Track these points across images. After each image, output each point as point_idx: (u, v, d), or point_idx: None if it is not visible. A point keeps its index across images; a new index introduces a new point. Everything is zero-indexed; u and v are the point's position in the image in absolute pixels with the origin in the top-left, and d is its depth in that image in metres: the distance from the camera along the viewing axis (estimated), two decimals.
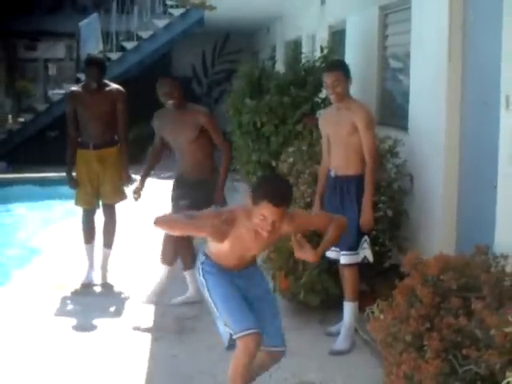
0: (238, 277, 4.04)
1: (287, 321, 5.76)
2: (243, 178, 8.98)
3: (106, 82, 6.91)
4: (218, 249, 3.93)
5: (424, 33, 5.94)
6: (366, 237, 5.33)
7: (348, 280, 5.35)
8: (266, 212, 3.64)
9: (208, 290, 4.00)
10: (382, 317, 3.49)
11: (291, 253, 5.67)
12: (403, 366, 3.17)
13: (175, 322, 5.81)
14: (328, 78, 5.40)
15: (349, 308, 5.32)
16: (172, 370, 4.94)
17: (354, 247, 5.29)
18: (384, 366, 3.51)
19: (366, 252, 5.32)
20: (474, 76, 5.17)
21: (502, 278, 3.40)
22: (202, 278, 4.04)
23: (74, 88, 7.08)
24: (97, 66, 6.81)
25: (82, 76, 15.84)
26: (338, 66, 5.55)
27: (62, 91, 16.21)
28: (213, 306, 3.97)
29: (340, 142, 5.38)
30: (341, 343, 5.21)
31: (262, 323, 3.92)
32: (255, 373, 4.15)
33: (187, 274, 6.24)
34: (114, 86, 6.89)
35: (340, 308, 5.43)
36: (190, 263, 6.08)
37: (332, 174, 5.45)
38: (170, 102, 5.97)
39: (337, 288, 5.60)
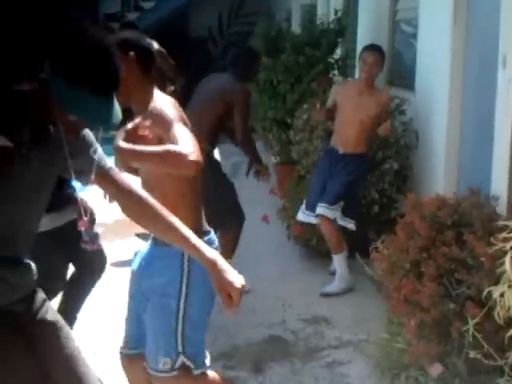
0: None
1: (300, 264, 6.31)
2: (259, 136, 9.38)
3: None
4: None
5: None
6: (342, 202, 5.74)
7: (325, 235, 5.78)
8: None
9: (190, 287, 3.02)
10: (385, 250, 3.95)
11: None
12: (403, 290, 3.64)
13: None
14: (370, 57, 5.82)
15: (335, 260, 5.82)
16: None
17: (332, 202, 5.71)
18: (385, 292, 3.97)
19: (336, 214, 5.72)
20: (477, 38, 5.54)
21: (492, 217, 3.84)
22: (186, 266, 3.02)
23: None
24: None
25: None
26: (382, 51, 6.00)
27: None
28: (179, 312, 3.01)
29: (355, 123, 5.78)
30: (331, 286, 5.71)
31: None
32: None
33: None
34: None
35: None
36: None
37: (340, 151, 5.88)
38: None
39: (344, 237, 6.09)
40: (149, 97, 3.09)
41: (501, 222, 3.03)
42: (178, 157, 2.74)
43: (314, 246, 6.28)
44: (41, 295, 2.34)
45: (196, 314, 3.02)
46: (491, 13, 5.01)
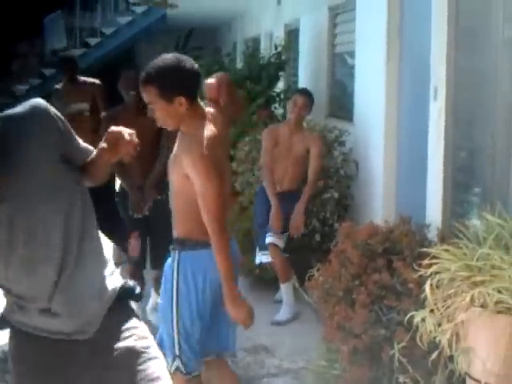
0: None
1: (243, 294, 6.31)
2: None
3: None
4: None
5: (366, 32, 6.48)
6: (287, 233, 5.92)
7: (275, 263, 5.86)
8: None
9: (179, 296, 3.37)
10: (320, 278, 4.03)
11: (246, 232, 6.26)
12: (336, 317, 3.72)
13: None
14: (301, 99, 6.06)
15: (284, 288, 5.94)
16: None
17: (279, 232, 5.86)
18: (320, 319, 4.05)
19: (283, 243, 5.88)
20: (409, 72, 5.72)
21: (423, 243, 3.95)
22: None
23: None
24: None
25: (47, 71, 16.20)
26: (312, 96, 6.24)
27: (27, 86, 16.53)
28: (172, 321, 3.37)
29: (292, 162, 6.03)
30: (280, 315, 5.83)
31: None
32: None
33: None
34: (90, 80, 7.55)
35: None
36: None
37: (277, 189, 6.02)
38: None
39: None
40: (193, 122, 3.26)
41: (425, 249, 3.13)
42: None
43: (256, 276, 6.34)
44: None
45: (187, 321, 3.33)
46: (423, 48, 5.18)
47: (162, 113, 3.25)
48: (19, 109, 2.43)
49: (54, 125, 2.42)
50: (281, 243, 5.85)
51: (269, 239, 5.85)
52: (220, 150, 3.34)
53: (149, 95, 3.22)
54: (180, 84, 3.21)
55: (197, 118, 3.28)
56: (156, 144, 5.31)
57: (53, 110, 2.45)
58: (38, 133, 2.38)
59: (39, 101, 2.44)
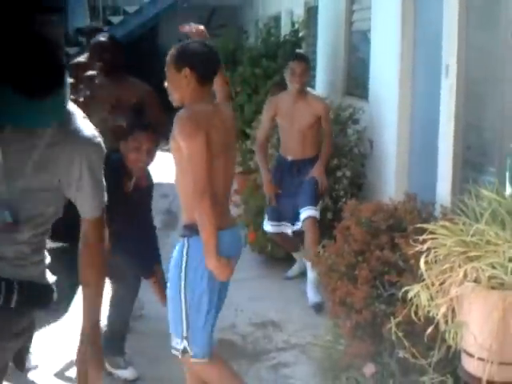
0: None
1: (255, 270, 6.39)
2: None
3: None
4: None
5: (381, 10, 6.46)
6: (320, 202, 5.95)
7: (315, 236, 5.68)
8: None
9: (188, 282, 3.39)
10: (325, 254, 4.05)
11: (259, 210, 6.29)
12: (338, 292, 3.75)
13: None
14: (298, 66, 5.95)
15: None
16: None
17: (314, 203, 5.85)
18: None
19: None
20: (423, 50, 5.70)
21: (429, 221, 3.95)
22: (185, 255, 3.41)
23: None
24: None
25: (71, 50, 16.24)
26: (308, 60, 6.21)
27: None
28: (181, 304, 3.40)
29: (298, 130, 5.97)
30: (317, 296, 5.60)
31: None
32: None
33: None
34: None
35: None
36: None
37: (289, 158, 6.05)
38: None
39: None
40: (195, 100, 3.42)
41: (421, 225, 3.13)
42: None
43: (268, 253, 6.39)
44: None
45: (196, 298, 3.35)
46: (437, 26, 5.16)
47: (171, 83, 3.49)
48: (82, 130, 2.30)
49: (83, 160, 2.27)
50: (317, 214, 5.81)
51: (308, 212, 5.77)
52: (218, 130, 3.42)
53: (168, 67, 3.50)
54: (189, 57, 3.43)
55: (200, 98, 3.42)
56: (133, 113, 5.08)
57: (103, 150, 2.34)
58: (63, 155, 2.25)
59: (101, 140, 2.35)
